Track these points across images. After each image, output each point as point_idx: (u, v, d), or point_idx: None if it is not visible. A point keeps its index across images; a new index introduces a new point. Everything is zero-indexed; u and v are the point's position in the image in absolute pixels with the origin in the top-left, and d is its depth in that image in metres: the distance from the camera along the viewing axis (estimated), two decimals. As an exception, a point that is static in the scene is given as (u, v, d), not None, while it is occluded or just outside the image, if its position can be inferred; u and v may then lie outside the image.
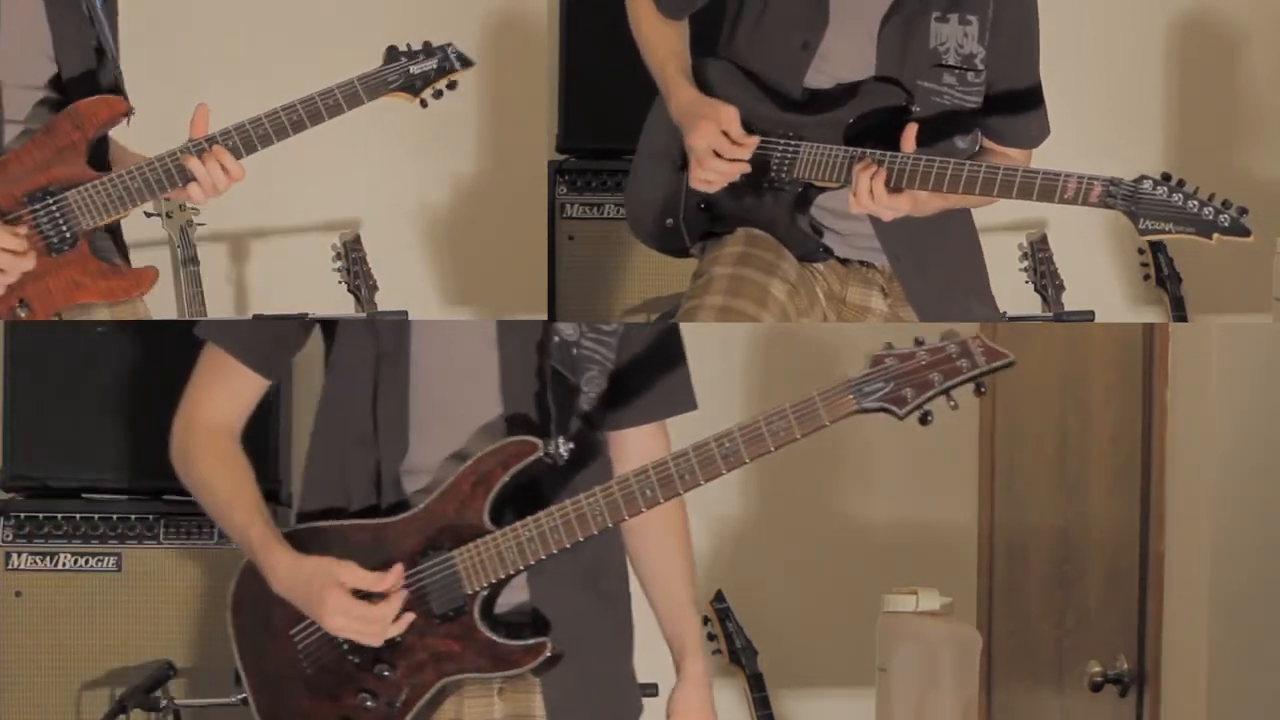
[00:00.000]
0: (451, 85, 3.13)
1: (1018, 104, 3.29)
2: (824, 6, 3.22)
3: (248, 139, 3.05)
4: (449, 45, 3.12)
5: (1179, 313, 4.46)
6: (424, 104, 3.13)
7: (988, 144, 3.31)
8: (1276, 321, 3.67)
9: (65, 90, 3.12)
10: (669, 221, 3.35)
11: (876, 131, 3.17)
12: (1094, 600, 3.72)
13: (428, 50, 3.11)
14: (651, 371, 2.85)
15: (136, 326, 3.88)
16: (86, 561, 3.92)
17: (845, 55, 3.22)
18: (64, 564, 3.92)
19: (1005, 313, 4.21)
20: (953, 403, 2.58)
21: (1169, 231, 2.97)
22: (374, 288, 4.28)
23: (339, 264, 4.25)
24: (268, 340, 2.83)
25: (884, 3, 3.20)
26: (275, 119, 3.06)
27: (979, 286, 3.40)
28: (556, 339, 2.75)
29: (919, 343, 2.58)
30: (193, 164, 3.04)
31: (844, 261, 3.33)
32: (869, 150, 3.12)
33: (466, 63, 3.13)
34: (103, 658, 3.89)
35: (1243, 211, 2.95)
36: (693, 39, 3.35)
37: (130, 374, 3.99)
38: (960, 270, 3.37)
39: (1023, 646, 4.03)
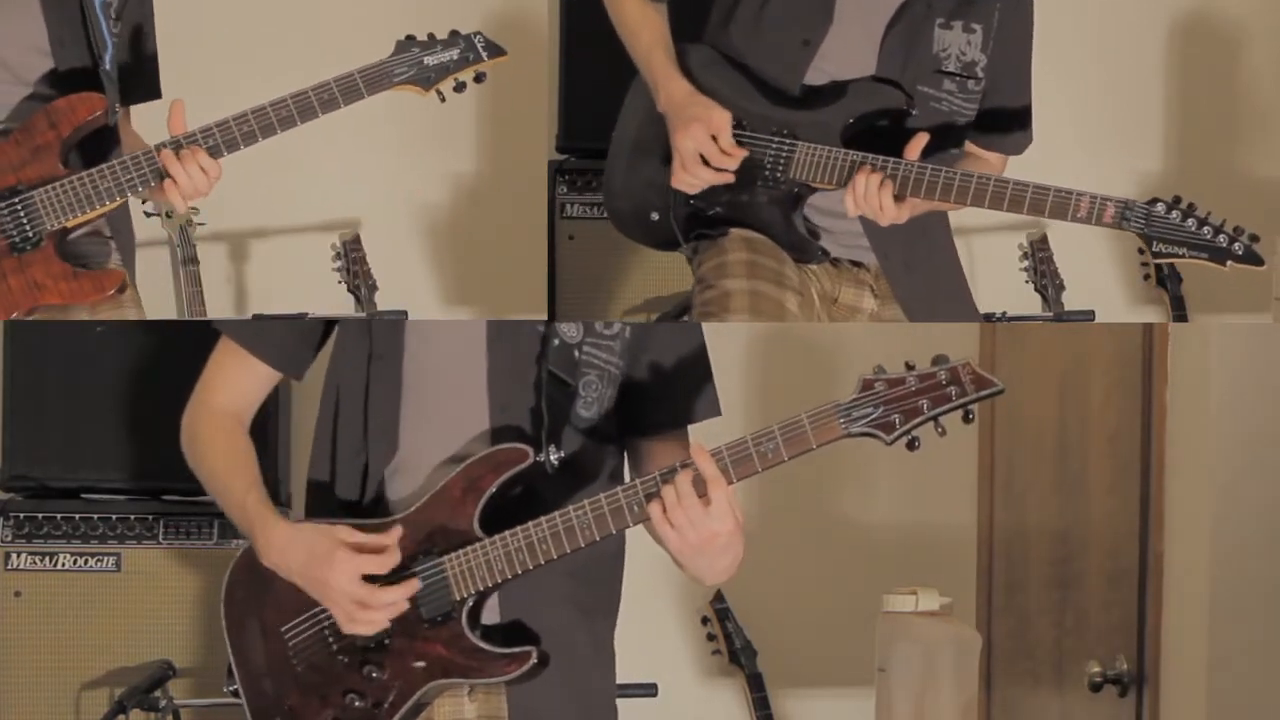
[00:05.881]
0: (479, 78, 2.95)
1: (1011, 114, 3.28)
2: (829, 6, 3.19)
3: (230, 137, 2.94)
4: (476, 34, 2.95)
5: (1179, 312, 4.46)
6: (441, 97, 2.97)
7: (971, 148, 3.29)
8: (1276, 321, 3.67)
9: (60, 88, 3.05)
10: (654, 216, 3.30)
11: (874, 133, 3.16)
12: (1094, 600, 3.72)
13: (449, 40, 2.95)
14: (677, 377, 2.84)
15: (136, 327, 3.88)
16: (86, 561, 3.92)
17: (846, 56, 3.20)
18: (63, 564, 3.92)
19: (1005, 312, 4.22)
20: (940, 429, 2.59)
21: (1182, 256, 2.98)
22: (374, 288, 4.28)
23: (339, 264, 4.25)
24: (282, 335, 2.84)
25: (890, 6, 3.18)
26: (263, 115, 2.94)
27: (960, 288, 3.39)
28: (557, 341, 2.73)
29: (910, 367, 2.58)
30: (171, 165, 2.94)
31: (834, 261, 3.30)
32: (872, 156, 3.11)
33: (496, 51, 2.95)
34: (102, 658, 3.89)
35: (1254, 239, 2.96)
36: (671, 22, 3.28)
37: (130, 374, 3.99)
38: (942, 271, 3.36)
39: (1023, 646, 4.03)
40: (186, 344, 3.95)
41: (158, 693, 3.71)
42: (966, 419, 2.58)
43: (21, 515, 3.93)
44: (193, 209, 4.19)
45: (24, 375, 3.99)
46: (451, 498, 2.67)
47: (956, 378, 2.57)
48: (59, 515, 3.94)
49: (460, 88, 2.98)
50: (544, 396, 2.71)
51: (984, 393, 2.57)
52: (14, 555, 3.91)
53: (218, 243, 4.48)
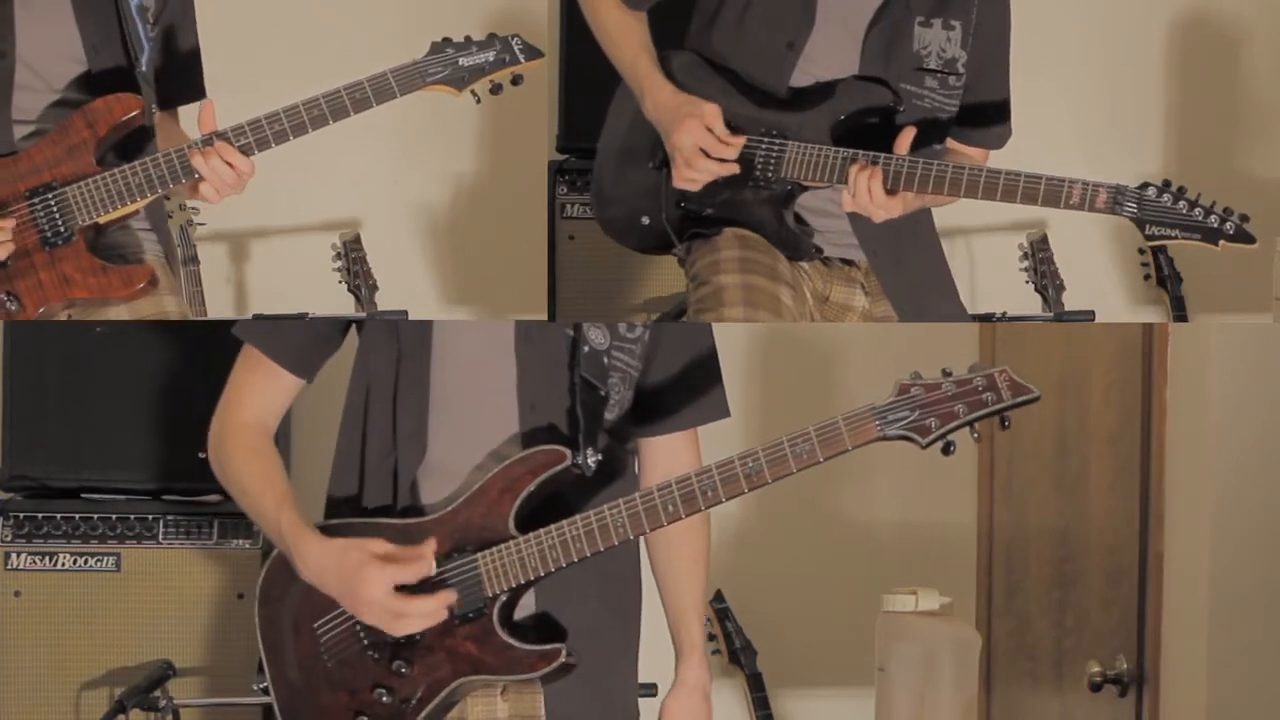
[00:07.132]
0: (516, 80, 2.97)
1: (990, 109, 3.30)
2: (811, 8, 3.21)
3: (262, 135, 2.98)
4: (514, 36, 2.98)
5: (1179, 313, 4.46)
6: (476, 99, 2.98)
7: (952, 144, 3.31)
8: (1276, 321, 3.67)
9: (94, 91, 3.08)
10: (645, 220, 3.32)
11: (862, 131, 3.17)
12: (1094, 600, 3.72)
13: (485, 42, 2.98)
14: (686, 378, 2.87)
15: (136, 327, 3.88)
16: (86, 561, 3.92)
17: (829, 57, 3.22)
18: (63, 564, 3.92)
19: (1005, 312, 4.22)
20: (975, 434, 2.61)
21: (1175, 238, 3.00)
22: (374, 288, 4.28)
23: (339, 264, 4.25)
24: (303, 340, 2.84)
25: (870, 6, 3.21)
26: (294, 114, 2.98)
27: (947, 285, 3.41)
28: (587, 348, 2.75)
29: (946, 374, 2.61)
30: (197, 161, 2.99)
31: (825, 260, 3.32)
32: (865, 151, 3.12)
33: (534, 54, 2.99)
34: (102, 658, 3.89)
35: (1245, 219, 2.97)
36: (652, 30, 3.30)
37: (130, 374, 3.98)
38: (930, 268, 3.38)
39: (1023, 646, 4.03)
40: (187, 344, 3.96)
41: (158, 693, 3.71)
42: (1003, 425, 2.61)
43: (21, 515, 3.93)
44: (193, 209, 4.22)
45: (24, 375, 3.99)
46: (488, 497, 2.69)
47: (993, 384, 2.59)
48: (59, 515, 3.94)
49: (497, 89, 3.00)
50: (578, 401, 2.73)
51: (1020, 399, 2.59)
52: (14, 555, 3.91)
53: (218, 242, 4.48)
